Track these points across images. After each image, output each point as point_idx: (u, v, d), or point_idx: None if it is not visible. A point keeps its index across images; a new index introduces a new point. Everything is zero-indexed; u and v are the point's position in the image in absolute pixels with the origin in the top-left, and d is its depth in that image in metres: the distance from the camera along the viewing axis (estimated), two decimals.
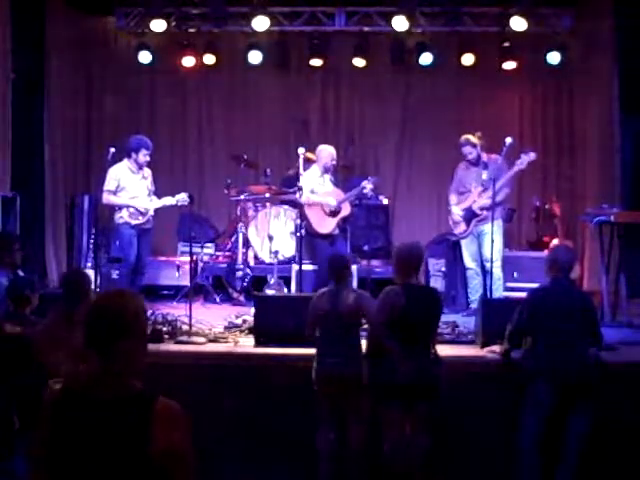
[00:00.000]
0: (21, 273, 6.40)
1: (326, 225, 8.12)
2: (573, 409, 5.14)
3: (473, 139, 8.07)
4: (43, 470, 2.38)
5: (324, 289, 5.42)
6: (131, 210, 7.87)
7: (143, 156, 7.91)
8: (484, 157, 8.06)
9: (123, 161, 7.96)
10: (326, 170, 8.22)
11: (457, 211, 8.17)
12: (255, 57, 9.94)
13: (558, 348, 5.11)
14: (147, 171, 8.07)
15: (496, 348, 5.72)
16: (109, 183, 7.87)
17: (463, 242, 8.19)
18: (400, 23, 9.42)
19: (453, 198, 8.29)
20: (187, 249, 7.89)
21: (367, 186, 8.17)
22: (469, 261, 8.13)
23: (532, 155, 7.89)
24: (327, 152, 8.22)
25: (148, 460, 2.29)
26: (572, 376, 5.08)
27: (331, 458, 5.24)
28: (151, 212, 7.99)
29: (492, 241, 7.43)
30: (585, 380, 5.12)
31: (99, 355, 2.40)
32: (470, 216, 8.08)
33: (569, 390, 5.11)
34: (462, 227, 8.16)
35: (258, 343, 6.29)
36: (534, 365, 5.21)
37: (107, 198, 7.89)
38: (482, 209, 7.96)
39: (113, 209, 7.97)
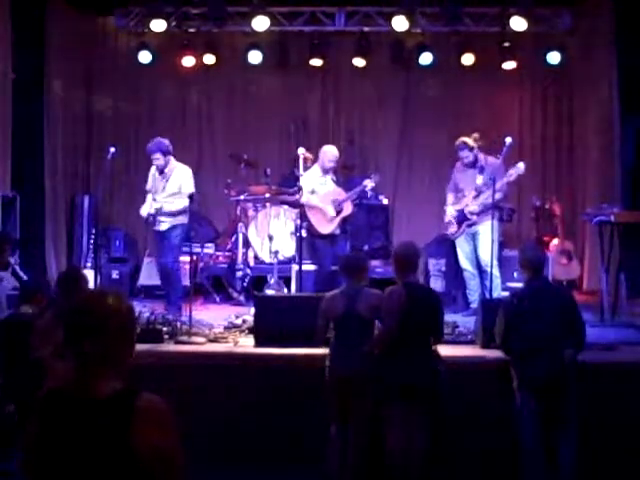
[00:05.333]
0: (21, 273, 6.40)
1: (327, 225, 8.10)
2: (558, 410, 5.14)
3: (470, 142, 7.95)
4: (32, 469, 2.38)
5: (335, 291, 5.35)
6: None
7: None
8: (481, 159, 7.99)
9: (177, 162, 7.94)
10: (327, 170, 8.20)
11: (451, 211, 8.12)
12: (255, 57, 9.94)
13: (531, 353, 5.11)
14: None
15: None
16: (191, 185, 7.79)
17: (457, 243, 8.14)
18: (400, 23, 9.42)
19: (450, 197, 8.23)
20: (187, 249, 7.89)
21: (369, 184, 8.16)
22: (464, 262, 8.09)
23: (521, 168, 7.69)
24: (329, 152, 8.20)
25: (132, 457, 2.26)
26: (548, 379, 5.08)
27: (341, 456, 5.17)
28: None
29: (492, 241, 7.42)
30: (560, 382, 5.11)
31: (73, 354, 2.39)
32: (462, 218, 8.05)
33: (546, 393, 5.11)
34: (454, 228, 8.11)
35: (258, 343, 6.29)
36: (514, 371, 5.26)
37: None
38: (472, 214, 7.94)
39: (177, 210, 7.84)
